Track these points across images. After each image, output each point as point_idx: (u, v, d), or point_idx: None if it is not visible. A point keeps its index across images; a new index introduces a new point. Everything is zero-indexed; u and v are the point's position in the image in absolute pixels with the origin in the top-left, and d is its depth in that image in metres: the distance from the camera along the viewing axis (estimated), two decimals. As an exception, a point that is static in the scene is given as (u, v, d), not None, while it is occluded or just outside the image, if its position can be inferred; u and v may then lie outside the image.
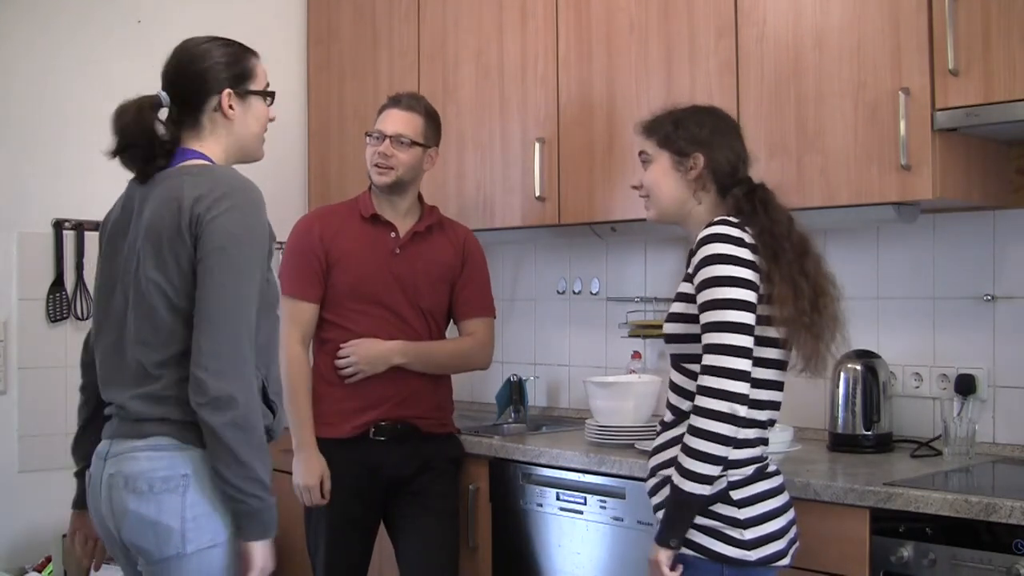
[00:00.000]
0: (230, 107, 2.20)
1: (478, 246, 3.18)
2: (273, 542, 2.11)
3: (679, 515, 2.09)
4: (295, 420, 2.89)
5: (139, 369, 2.10)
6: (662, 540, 2.10)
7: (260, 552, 2.08)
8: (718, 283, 2.06)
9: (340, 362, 2.95)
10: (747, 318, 2.05)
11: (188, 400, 2.03)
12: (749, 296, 2.06)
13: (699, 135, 2.24)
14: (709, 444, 2.03)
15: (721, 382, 2.02)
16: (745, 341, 2.04)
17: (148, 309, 2.09)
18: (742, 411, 2.03)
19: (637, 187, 2.35)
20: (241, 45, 2.27)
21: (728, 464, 2.09)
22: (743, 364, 2.03)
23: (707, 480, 2.05)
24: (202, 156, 2.18)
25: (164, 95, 2.20)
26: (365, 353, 2.94)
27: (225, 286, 2.03)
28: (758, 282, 2.08)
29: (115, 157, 2.17)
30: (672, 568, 2.10)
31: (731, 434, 2.03)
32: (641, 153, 2.33)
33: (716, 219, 2.14)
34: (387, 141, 2.98)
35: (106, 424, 2.18)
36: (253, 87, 2.24)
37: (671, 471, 2.10)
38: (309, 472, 2.89)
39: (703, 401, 2.03)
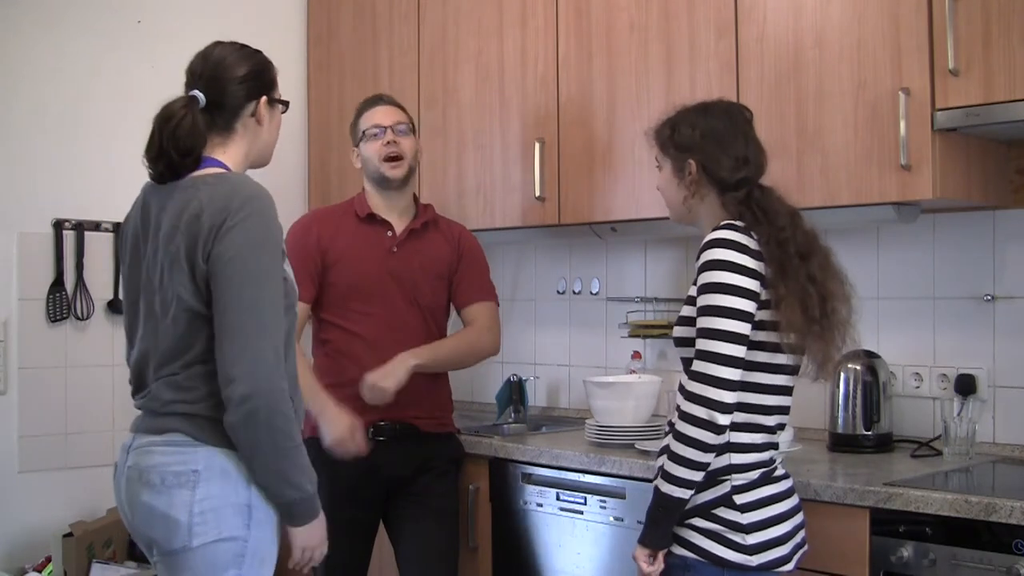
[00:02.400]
0: (263, 114, 2.25)
1: (474, 240, 3.21)
2: (321, 521, 2.23)
3: (659, 516, 2.11)
4: (307, 392, 2.78)
5: (168, 369, 2.14)
6: (641, 540, 2.13)
7: (297, 536, 2.19)
8: (715, 290, 2.06)
9: (367, 396, 2.89)
10: (739, 327, 2.04)
11: (209, 394, 2.09)
12: (745, 305, 2.05)
13: (691, 139, 2.21)
14: (688, 449, 2.04)
15: (703, 388, 2.03)
16: (733, 350, 2.03)
17: (173, 319, 2.11)
18: (721, 419, 2.03)
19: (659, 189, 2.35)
20: (264, 54, 2.31)
21: (732, 468, 2.10)
22: (727, 372, 2.03)
23: (686, 484, 2.06)
24: (219, 164, 2.20)
25: (201, 96, 2.20)
26: (380, 375, 2.88)
27: (243, 295, 2.05)
28: (758, 289, 2.07)
29: (156, 161, 2.16)
30: (654, 566, 2.13)
31: (709, 440, 2.04)
32: (656, 157, 2.32)
33: (722, 223, 2.13)
34: (389, 131, 3.01)
35: (135, 419, 2.22)
36: (277, 95, 2.31)
37: None
38: (337, 426, 2.81)
39: (686, 406, 2.05)
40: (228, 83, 2.22)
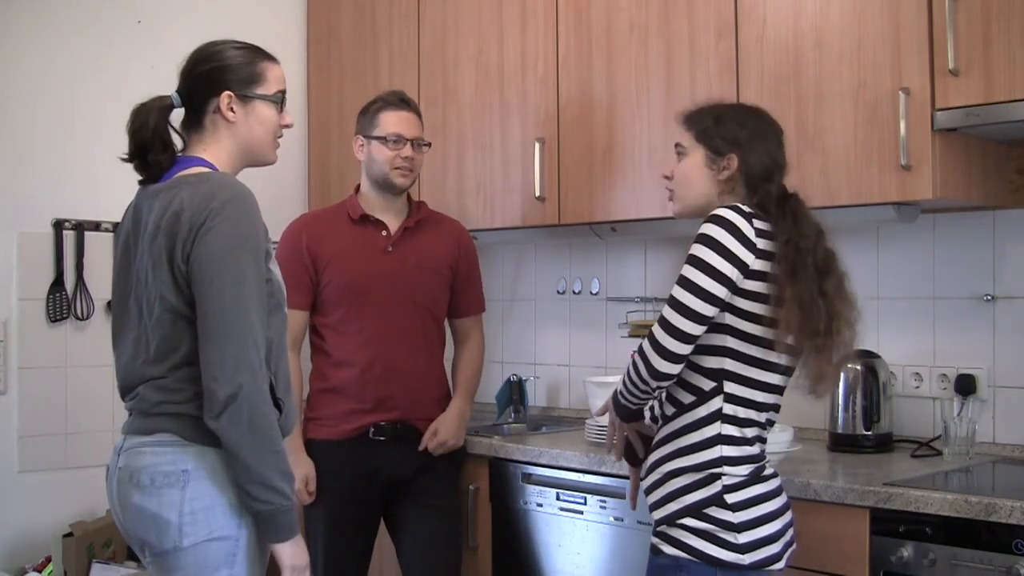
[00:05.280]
0: (230, 110, 2.21)
1: (472, 242, 3.23)
2: (301, 539, 2.16)
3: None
4: None
5: (155, 371, 2.14)
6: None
7: (285, 553, 2.12)
8: (692, 263, 2.07)
9: (433, 448, 3.00)
10: (701, 307, 2.04)
11: (197, 394, 2.08)
12: (715, 288, 2.04)
13: (738, 136, 2.19)
14: (624, 380, 2.20)
15: (648, 349, 2.09)
16: (689, 327, 2.05)
17: (158, 320, 2.11)
18: (653, 384, 2.11)
19: (668, 176, 2.31)
20: (256, 48, 2.27)
21: (724, 461, 2.10)
22: (675, 345, 2.05)
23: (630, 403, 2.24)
24: (203, 162, 2.19)
25: (176, 96, 2.22)
26: (449, 434, 3.00)
27: (224, 296, 2.04)
28: (735, 277, 2.05)
29: (130, 162, 2.20)
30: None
31: (631, 389, 2.17)
32: (677, 145, 2.28)
33: (729, 204, 2.11)
34: (408, 145, 3.01)
35: (125, 421, 2.22)
36: (260, 91, 2.24)
37: (669, 465, 2.13)
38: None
39: (635, 354, 2.14)
40: (188, 80, 2.22)
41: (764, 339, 2.09)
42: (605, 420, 2.41)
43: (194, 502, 2.07)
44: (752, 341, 2.08)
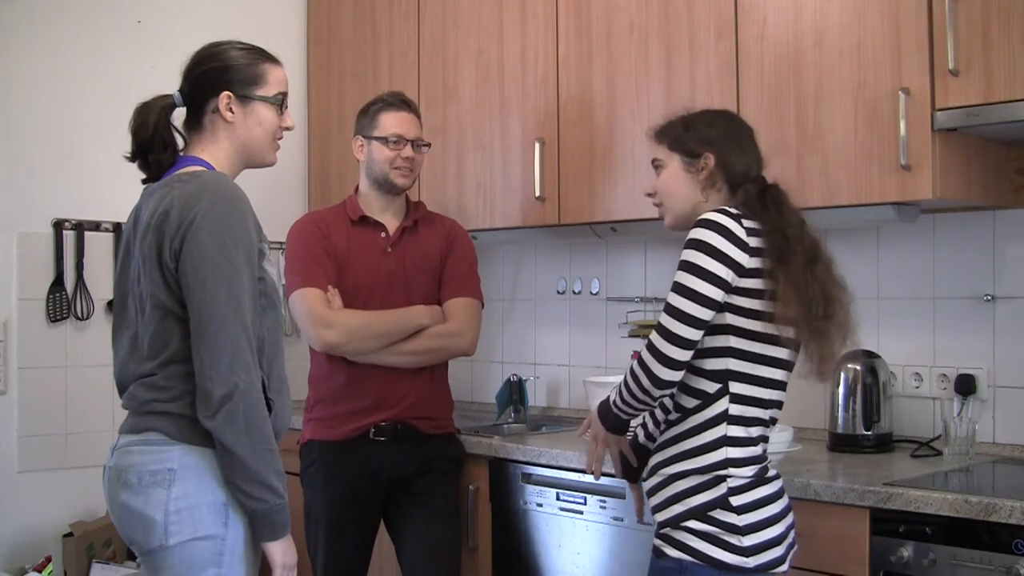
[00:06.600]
0: (229, 110, 2.21)
1: (464, 234, 3.19)
2: (291, 538, 2.17)
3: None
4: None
5: (146, 368, 2.15)
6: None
7: (277, 551, 2.14)
8: (685, 268, 2.07)
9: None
10: (697, 311, 2.04)
11: (185, 392, 2.08)
12: (711, 292, 2.05)
13: (710, 135, 2.22)
14: (622, 390, 2.18)
15: (648, 359, 2.07)
16: (688, 332, 2.05)
17: (149, 317, 2.12)
18: (656, 393, 2.10)
19: (651, 195, 2.33)
20: (259, 50, 2.28)
21: (729, 463, 2.10)
22: (676, 352, 2.05)
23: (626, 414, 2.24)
24: (201, 162, 2.20)
25: (178, 95, 2.23)
26: None
27: (218, 296, 2.05)
28: (731, 279, 2.06)
29: (132, 161, 2.21)
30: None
31: (629, 400, 2.15)
32: (654, 160, 2.31)
33: (717, 207, 2.13)
34: (408, 146, 3.02)
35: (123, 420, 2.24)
36: (260, 92, 2.23)
37: (673, 468, 2.12)
38: None
39: (634, 364, 2.12)
40: (189, 79, 2.23)
41: (766, 334, 2.09)
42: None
43: (179, 501, 2.07)
44: (755, 338, 2.09)
